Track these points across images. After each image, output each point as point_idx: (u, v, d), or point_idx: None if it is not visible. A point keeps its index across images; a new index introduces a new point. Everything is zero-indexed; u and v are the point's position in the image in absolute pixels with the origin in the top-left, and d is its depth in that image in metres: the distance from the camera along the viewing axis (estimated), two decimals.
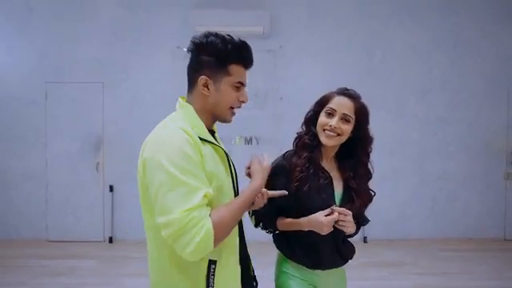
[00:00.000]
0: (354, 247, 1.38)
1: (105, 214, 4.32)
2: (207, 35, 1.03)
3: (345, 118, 1.24)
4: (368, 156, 1.32)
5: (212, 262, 0.98)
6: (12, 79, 4.31)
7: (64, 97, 4.29)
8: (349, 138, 1.27)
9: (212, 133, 1.10)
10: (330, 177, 1.29)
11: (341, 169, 1.31)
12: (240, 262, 1.09)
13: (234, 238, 1.06)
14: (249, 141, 4.32)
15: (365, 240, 4.25)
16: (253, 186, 1.06)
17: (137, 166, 1.01)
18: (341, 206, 1.24)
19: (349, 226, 1.21)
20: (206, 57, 1.02)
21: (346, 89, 1.28)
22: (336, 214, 1.19)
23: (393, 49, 4.41)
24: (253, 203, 1.09)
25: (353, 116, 1.24)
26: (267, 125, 4.35)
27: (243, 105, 1.11)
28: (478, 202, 4.45)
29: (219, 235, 0.91)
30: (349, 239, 1.38)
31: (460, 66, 4.42)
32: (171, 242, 0.89)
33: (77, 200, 4.30)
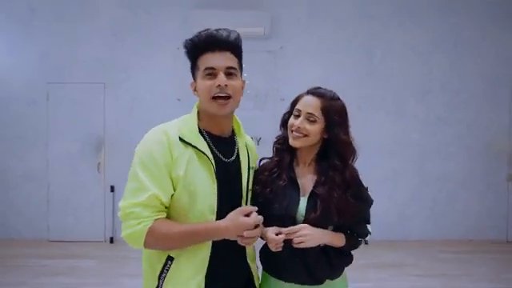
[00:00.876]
0: (333, 266, 1.18)
1: (106, 214, 4.33)
2: (183, 45, 1.08)
3: (309, 118, 1.15)
4: (343, 161, 1.16)
5: (169, 259, 1.02)
6: (13, 80, 4.33)
7: (65, 97, 4.30)
8: (325, 141, 1.18)
9: (221, 139, 1.10)
10: (295, 181, 1.17)
11: (317, 174, 1.19)
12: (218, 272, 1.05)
13: (202, 246, 1.03)
14: None
15: (365, 241, 4.24)
16: (216, 225, 0.99)
17: None
18: (305, 213, 1.13)
19: (309, 240, 1.08)
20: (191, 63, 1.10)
21: (319, 87, 1.19)
22: (282, 235, 1.08)
23: (392, 49, 4.41)
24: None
25: (319, 115, 1.14)
26: (268, 126, 4.32)
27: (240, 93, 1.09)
28: (478, 203, 4.44)
29: (151, 242, 0.97)
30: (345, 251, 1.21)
31: (460, 66, 4.41)
32: None
33: (78, 200, 4.31)
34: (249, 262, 1.16)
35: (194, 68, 1.08)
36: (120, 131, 4.34)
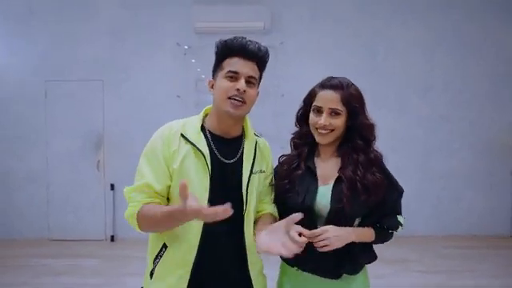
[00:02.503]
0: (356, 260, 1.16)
1: (106, 213, 4.31)
2: (216, 44, 1.13)
3: (333, 112, 1.13)
4: (367, 142, 1.15)
5: (164, 246, 1.10)
6: (12, 80, 4.29)
7: (63, 95, 4.26)
8: (348, 128, 1.16)
9: (224, 140, 1.12)
10: (313, 170, 1.15)
11: (341, 160, 1.16)
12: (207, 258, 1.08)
13: (191, 233, 1.07)
14: None
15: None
16: (180, 207, 0.92)
17: (137, 163, 1.14)
18: (331, 203, 1.09)
19: (333, 243, 1.04)
20: (214, 64, 1.16)
21: (329, 79, 1.17)
22: (304, 238, 1.00)
23: (395, 46, 4.36)
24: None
25: (341, 108, 1.13)
26: (268, 122, 4.30)
27: (253, 99, 1.13)
28: (482, 199, 4.41)
29: (141, 224, 1.06)
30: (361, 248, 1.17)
31: (463, 63, 4.37)
32: None
33: (78, 199, 4.29)
34: (251, 272, 1.13)
35: (217, 67, 1.13)
36: (120, 129, 4.30)
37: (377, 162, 1.15)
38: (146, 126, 4.39)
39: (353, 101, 1.14)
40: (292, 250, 0.95)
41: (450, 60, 4.37)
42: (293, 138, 1.26)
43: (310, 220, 1.09)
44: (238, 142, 1.15)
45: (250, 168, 1.12)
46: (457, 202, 4.41)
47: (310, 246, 1.04)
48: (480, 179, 4.41)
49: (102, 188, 4.31)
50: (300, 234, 1.03)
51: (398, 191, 1.19)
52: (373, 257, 1.22)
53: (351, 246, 1.12)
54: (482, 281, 3.19)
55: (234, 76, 1.08)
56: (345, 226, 1.11)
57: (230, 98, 1.07)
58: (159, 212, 1.00)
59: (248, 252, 1.11)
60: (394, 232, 1.21)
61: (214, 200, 1.02)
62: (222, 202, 0.97)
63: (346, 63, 4.30)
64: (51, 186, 4.29)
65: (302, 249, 0.98)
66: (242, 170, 1.11)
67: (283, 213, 1.16)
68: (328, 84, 1.16)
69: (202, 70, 4.15)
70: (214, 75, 1.14)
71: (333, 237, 1.06)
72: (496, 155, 4.41)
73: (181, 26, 4.21)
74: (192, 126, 1.11)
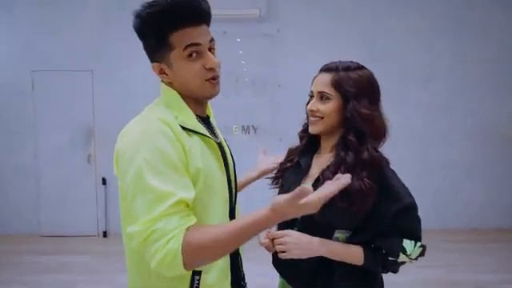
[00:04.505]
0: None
1: (98, 208, 4.20)
2: (136, 14, 0.85)
3: (321, 97, 0.99)
4: (360, 138, 0.95)
5: (196, 273, 0.82)
6: None
7: (51, 86, 4.10)
8: (346, 120, 0.98)
9: (204, 119, 0.93)
10: (302, 166, 1.05)
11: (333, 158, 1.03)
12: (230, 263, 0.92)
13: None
14: (246, 130, 4.17)
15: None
16: (264, 214, 0.72)
17: None
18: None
19: (291, 250, 0.90)
20: (145, 41, 0.87)
21: (332, 62, 1.02)
22: (266, 240, 0.96)
23: (395, 34, 4.23)
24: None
25: (331, 91, 0.97)
26: (265, 113, 4.19)
27: (221, 70, 0.88)
28: (482, 191, 4.35)
29: (190, 260, 0.72)
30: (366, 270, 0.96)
31: (464, 52, 4.26)
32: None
33: (69, 193, 4.18)
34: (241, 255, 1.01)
35: (159, 47, 0.85)
36: (111, 121, 4.15)
37: (372, 165, 0.93)
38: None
39: (346, 84, 0.96)
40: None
41: (449, 49, 4.26)
42: (300, 131, 1.15)
43: (287, 222, 0.89)
44: (207, 119, 0.96)
45: (226, 144, 0.98)
46: (457, 194, 4.36)
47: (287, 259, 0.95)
48: (480, 171, 4.35)
49: (94, 182, 4.19)
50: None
51: (403, 204, 0.93)
52: (372, 283, 0.99)
53: (330, 268, 0.93)
54: (482, 275, 3.15)
55: (195, 51, 0.83)
56: (322, 236, 0.94)
57: (207, 80, 0.85)
58: (225, 230, 0.72)
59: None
60: (401, 261, 0.95)
61: (228, 188, 0.92)
62: (229, 187, 0.91)
63: (343, 52, 4.09)
64: (41, 180, 4.17)
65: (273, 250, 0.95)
66: (224, 147, 0.95)
67: None
68: (325, 67, 1.03)
69: None
70: (156, 57, 0.87)
71: (292, 243, 0.91)
72: (496, 146, 4.34)
73: None
74: (183, 113, 0.86)
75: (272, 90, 4.15)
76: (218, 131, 0.98)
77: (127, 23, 4.08)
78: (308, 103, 1.05)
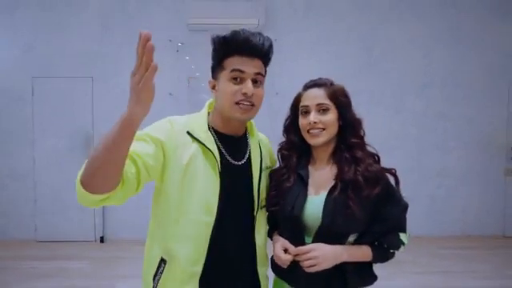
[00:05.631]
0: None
1: (95, 214, 4.19)
2: (212, 40, 1.03)
3: (321, 109, 1.07)
4: (360, 138, 1.10)
5: (162, 261, 1.00)
6: None
7: (51, 92, 4.12)
8: (340, 127, 1.10)
9: (231, 138, 1.07)
10: (304, 180, 1.08)
11: (337, 165, 1.08)
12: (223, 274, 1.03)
13: (197, 242, 0.99)
14: None
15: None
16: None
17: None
18: (322, 215, 1.01)
19: (321, 263, 0.96)
20: (212, 61, 1.07)
21: (313, 80, 1.14)
22: (289, 256, 1.00)
23: (392, 43, 4.31)
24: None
25: (329, 103, 1.08)
26: (262, 121, 4.20)
27: (255, 99, 1.02)
28: (477, 198, 4.40)
29: (82, 176, 0.85)
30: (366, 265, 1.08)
31: (460, 60, 4.34)
32: None
33: (66, 199, 4.16)
34: (259, 270, 1.11)
35: (216, 66, 1.04)
36: (109, 127, 4.18)
37: (374, 158, 1.11)
38: None
39: (339, 95, 1.09)
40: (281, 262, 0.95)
41: (447, 56, 4.33)
42: (280, 150, 1.18)
43: (298, 233, 1.03)
44: (243, 140, 1.10)
45: (259, 168, 1.09)
46: (452, 202, 4.40)
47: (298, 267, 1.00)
48: (475, 178, 4.40)
49: None
50: (286, 250, 1.00)
51: (402, 206, 1.08)
52: (371, 280, 1.10)
53: (343, 267, 1.03)
54: (477, 281, 3.17)
55: (238, 77, 1.00)
56: (337, 243, 1.01)
57: (237, 103, 1.00)
58: (102, 138, 0.82)
59: (258, 250, 1.08)
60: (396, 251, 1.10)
61: (224, 200, 1.00)
62: (233, 203, 1.02)
63: (341, 60, 4.24)
64: (38, 185, 4.16)
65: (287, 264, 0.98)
66: (251, 171, 1.07)
67: (272, 225, 1.15)
68: (311, 83, 1.13)
69: (196, 67, 4.06)
70: (214, 75, 1.06)
71: (321, 256, 0.97)
72: (491, 154, 4.40)
73: (173, 21, 4.11)
74: (197, 123, 1.03)
75: (270, 98, 4.19)
76: (254, 153, 1.09)
77: (127, 30, 4.19)
78: (288, 122, 1.16)
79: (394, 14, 4.29)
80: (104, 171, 0.82)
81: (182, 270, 0.97)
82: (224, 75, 1.01)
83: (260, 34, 1.02)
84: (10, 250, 3.91)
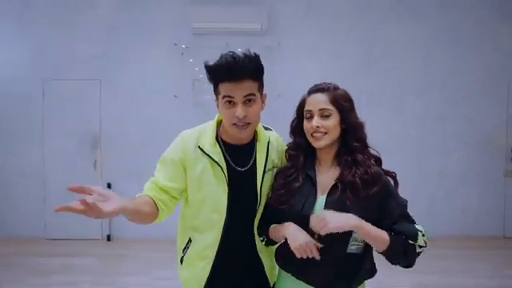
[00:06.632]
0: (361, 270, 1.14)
1: None
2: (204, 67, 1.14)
3: (323, 114, 1.13)
4: (361, 142, 1.15)
5: (189, 240, 1.25)
6: (8, 76, 4.28)
7: (61, 94, 4.25)
8: (343, 131, 1.16)
9: (236, 147, 1.19)
10: (313, 179, 1.14)
11: (340, 167, 1.15)
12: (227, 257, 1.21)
13: (212, 232, 1.20)
14: None
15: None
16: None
17: (134, 163, 1.21)
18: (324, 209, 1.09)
19: (327, 222, 1.00)
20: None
21: (317, 84, 1.19)
22: (311, 244, 1.05)
23: (391, 44, 4.36)
24: None
25: (331, 107, 1.13)
26: (265, 123, 4.30)
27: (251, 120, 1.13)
28: (477, 199, 4.42)
29: None
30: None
31: (460, 60, 4.37)
32: None
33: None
34: (260, 256, 1.25)
35: (215, 89, 1.14)
36: (117, 128, 4.30)
37: (373, 160, 1.17)
38: (142, 126, 4.42)
39: (341, 100, 1.15)
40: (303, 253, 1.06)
41: (446, 57, 4.37)
42: (287, 150, 1.25)
43: (305, 231, 1.10)
44: (250, 146, 1.21)
45: (262, 170, 1.20)
46: (452, 202, 4.42)
47: (308, 257, 1.09)
48: (475, 179, 4.42)
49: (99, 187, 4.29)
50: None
51: (401, 198, 1.15)
52: (372, 273, 1.19)
53: (353, 257, 1.12)
54: (476, 281, 3.20)
55: (230, 101, 1.09)
56: (339, 243, 1.10)
57: (233, 124, 1.11)
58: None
59: (256, 239, 1.24)
60: (418, 246, 1.09)
61: (232, 206, 1.17)
62: (240, 207, 1.18)
63: (341, 60, 4.31)
64: (47, 184, 4.28)
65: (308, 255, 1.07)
66: (255, 173, 1.19)
67: (266, 220, 1.23)
68: (315, 88, 1.18)
69: (200, 70, 4.15)
70: (215, 95, 1.16)
71: (327, 214, 1.02)
72: (491, 155, 4.42)
73: (178, 26, 4.21)
74: (207, 138, 1.18)
75: (272, 100, 4.28)
76: (259, 157, 1.20)
77: (134, 36, 4.34)
78: (294, 124, 1.23)
79: (394, 14, 4.35)
80: (134, 221, 1.09)
81: (198, 251, 1.22)
82: (220, 99, 1.12)
83: (245, 53, 1.06)
84: (20, 246, 4.02)
